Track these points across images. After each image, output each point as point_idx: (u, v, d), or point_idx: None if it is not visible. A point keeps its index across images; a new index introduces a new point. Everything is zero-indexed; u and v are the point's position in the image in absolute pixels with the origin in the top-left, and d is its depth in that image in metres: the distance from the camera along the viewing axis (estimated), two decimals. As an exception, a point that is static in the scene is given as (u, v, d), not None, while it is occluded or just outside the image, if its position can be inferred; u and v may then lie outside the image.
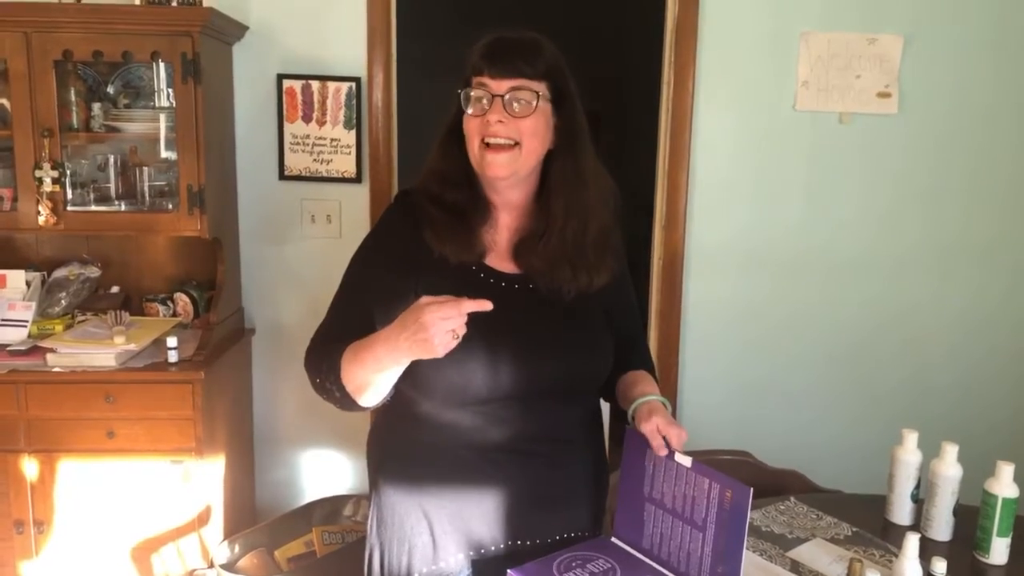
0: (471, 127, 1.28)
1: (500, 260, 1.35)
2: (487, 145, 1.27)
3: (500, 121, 1.25)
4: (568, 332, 1.34)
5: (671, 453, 1.25)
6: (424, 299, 1.13)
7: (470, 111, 1.27)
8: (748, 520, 1.17)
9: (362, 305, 1.31)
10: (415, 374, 1.27)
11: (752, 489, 1.17)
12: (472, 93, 1.27)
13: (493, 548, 1.33)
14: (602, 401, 1.49)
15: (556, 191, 1.33)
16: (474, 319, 1.19)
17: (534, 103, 1.27)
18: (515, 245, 1.35)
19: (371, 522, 1.40)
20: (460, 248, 1.30)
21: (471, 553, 1.33)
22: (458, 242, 1.30)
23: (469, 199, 1.33)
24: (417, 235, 1.31)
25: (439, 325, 1.10)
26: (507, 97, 1.26)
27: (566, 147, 1.32)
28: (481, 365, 1.26)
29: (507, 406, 1.29)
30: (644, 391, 1.35)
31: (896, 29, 2.57)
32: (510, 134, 1.26)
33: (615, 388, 1.44)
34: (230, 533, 2.41)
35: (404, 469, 1.35)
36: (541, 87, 1.28)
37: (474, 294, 1.16)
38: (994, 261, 2.71)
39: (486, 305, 1.13)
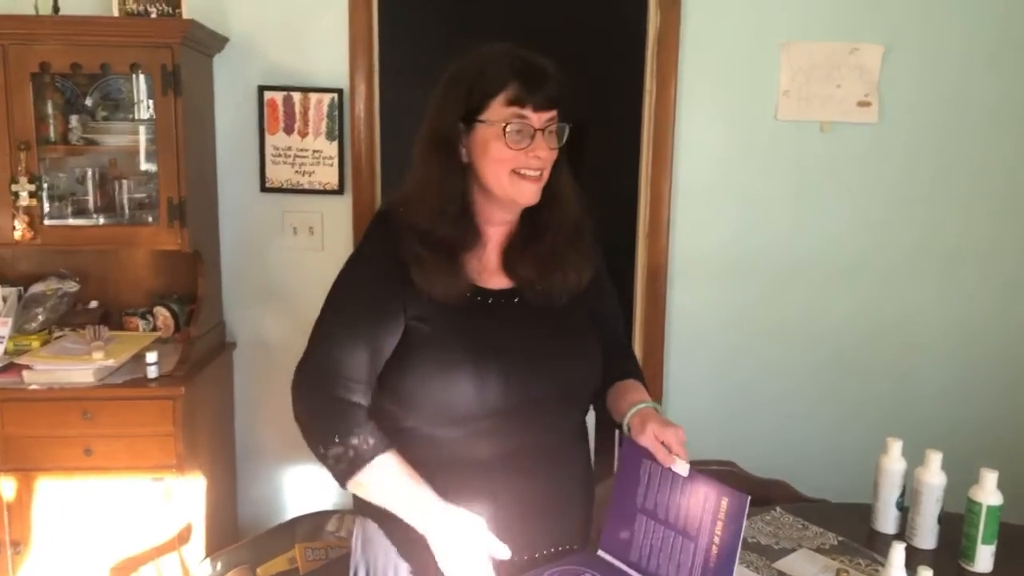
0: (505, 156, 1.25)
1: (489, 276, 1.34)
2: (519, 174, 1.26)
3: (543, 156, 1.26)
4: (558, 343, 1.33)
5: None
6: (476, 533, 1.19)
7: (514, 146, 1.25)
8: (743, 528, 1.17)
9: (366, 337, 1.27)
10: (400, 391, 1.27)
11: (749, 497, 1.17)
12: (515, 127, 1.24)
13: None
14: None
15: (546, 205, 1.33)
16: (462, 338, 1.21)
17: (560, 135, 1.29)
18: (504, 259, 1.35)
19: (356, 539, 1.38)
20: (448, 287, 1.27)
21: None
22: (445, 280, 1.27)
23: (460, 231, 1.29)
24: (401, 259, 1.28)
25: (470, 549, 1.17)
26: (546, 131, 1.26)
27: (556, 164, 1.33)
28: (468, 383, 1.25)
29: (495, 422, 1.27)
30: (634, 400, 1.35)
31: (875, 39, 2.59)
32: (544, 165, 1.27)
33: (605, 399, 1.43)
34: (212, 550, 2.37)
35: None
36: (557, 113, 1.29)
37: (463, 316, 1.21)
38: (978, 268, 2.73)
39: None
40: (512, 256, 1.35)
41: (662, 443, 1.25)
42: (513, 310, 1.32)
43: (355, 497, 1.38)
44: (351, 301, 1.31)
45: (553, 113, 1.27)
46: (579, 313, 1.38)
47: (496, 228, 1.35)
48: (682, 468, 1.23)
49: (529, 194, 1.28)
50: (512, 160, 1.25)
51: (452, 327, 1.27)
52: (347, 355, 1.27)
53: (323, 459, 1.26)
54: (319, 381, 1.28)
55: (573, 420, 1.40)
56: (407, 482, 1.23)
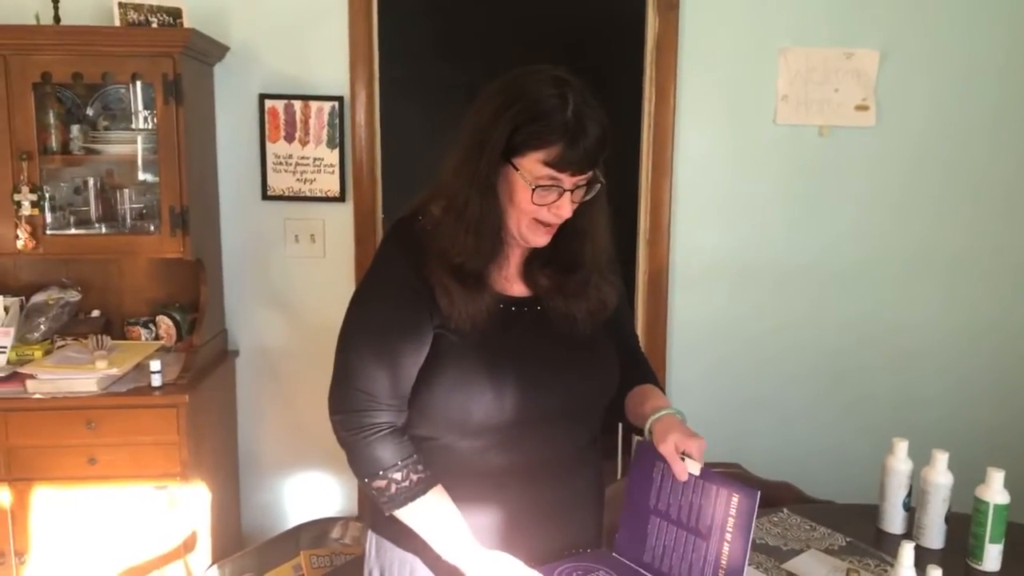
0: (528, 210, 1.23)
1: (510, 284, 1.33)
2: (537, 221, 1.25)
3: (564, 213, 1.24)
4: (577, 354, 1.33)
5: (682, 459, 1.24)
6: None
7: (539, 202, 1.22)
8: (754, 524, 1.17)
9: (399, 361, 1.25)
10: (419, 401, 1.27)
11: (760, 492, 1.17)
12: (545, 187, 1.21)
13: None
14: None
15: (580, 239, 1.31)
16: (483, 349, 1.23)
17: (588, 191, 1.26)
18: (524, 268, 1.34)
19: (369, 544, 1.38)
20: (474, 308, 1.25)
21: None
22: (472, 305, 1.25)
23: (491, 261, 1.28)
24: (425, 273, 1.26)
25: None
26: (574, 192, 1.24)
27: (594, 202, 1.29)
28: (484, 395, 1.24)
29: (512, 432, 1.27)
30: (657, 406, 1.34)
31: (872, 44, 2.61)
32: (562, 220, 1.26)
33: (623, 405, 1.43)
34: (217, 559, 2.37)
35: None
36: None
37: (486, 325, 1.22)
38: (977, 271, 2.75)
39: None
40: (533, 266, 1.34)
41: (683, 453, 1.25)
42: (534, 319, 1.32)
43: (371, 512, 1.38)
44: (380, 320, 1.28)
45: (589, 176, 1.24)
46: (598, 330, 1.37)
47: (517, 245, 1.33)
48: (694, 467, 1.23)
49: (541, 240, 1.28)
50: (534, 212, 1.24)
51: (474, 337, 1.26)
52: (382, 379, 1.25)
53: (367, 488, 1.27)
54: (357, 408, 1.26)
55: (589, 431, 1.39)
56: (448, 525, 1.24)
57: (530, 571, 1.22)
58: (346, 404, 1.27)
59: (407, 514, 1.25)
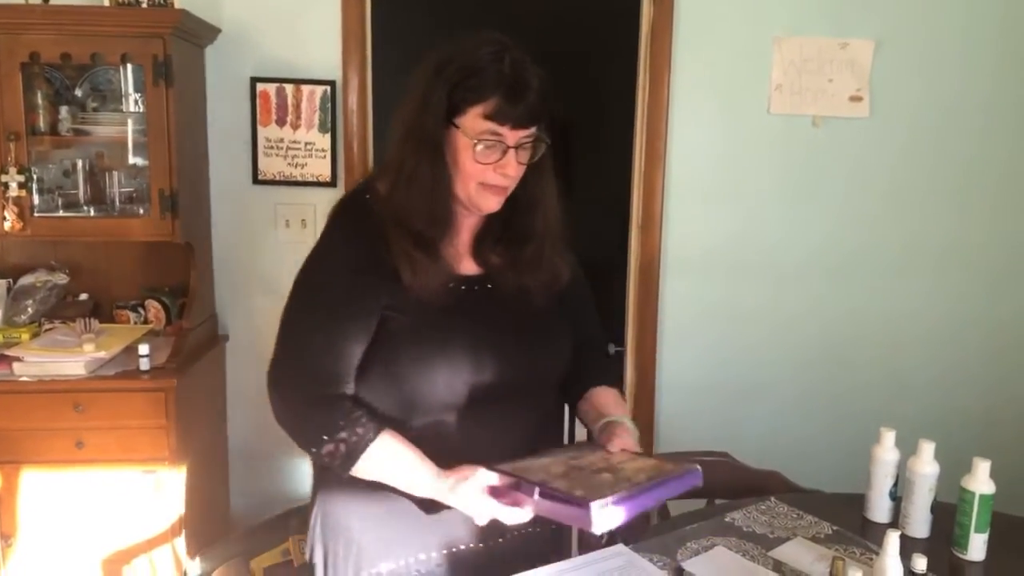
0: (473, 171, 1.23)
1: (461, 262, 1.33)
2: (485, 185, 1.25)
3: (511, 173, 1.24)
4: (526, 330, 1.33)
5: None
6: (479, 480, 1.19)
7: (482, 160, 1.22)
8: (674, 496, 1.21)
9: (342, 332, 1.25)
10: (372, 381, 1.27)
11: (700, 476, 1.21)
12: (487, 143, 1.22)
13: (463, 547, 1.33)
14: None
15: (531, 211, 1.32)
16: (436, 327, 1.24)
17: (535, 153, 1.26)
18: (475, 245, 1.35)
19: (315, 520, 1.39)
20: (435, 280, 1.26)
21: (423, 555, 1.33)
22: (432, 274, 1.26)
23: (445, 229, 1.29)
24: (376, 251, 1.26)
25: (482, 506, 1.18)
26: (520, 147, 1.24)
27: (539, 167, 1.31)
28: (437, 373, 1.25)
29: (465, 409, 1.28)
30: (607, 412, 1.36)
31: (867, 34, 2.61)
32: (512, 181, 1.26)
33: (577, 399, 1.43)
34: (204, 543, 2.36)
35: (341, 481, 1.31)
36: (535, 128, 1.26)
37: (437, 304, 1.23)
38: (970, 263, 2.76)
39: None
40: (484, 244, 1.34)
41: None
42: (484, 296, 1.32)
43: (314, 476, 1.40)
44: (322, 297, 1.27)
45: (531, 130, 1.25)
46: (551, 307, 1.38)
47: (469, 216, 1.34)
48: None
49: (492, 204, 1.27)
50: (480, 174, 1.24)
51: (426, 316, 1.26)
52: (323, 352, 1.25)
53: (318, 459, 1.26)
54: (295, 383, 1.26)
55: (545, 404, 1.39)
56: (405, 463, 1.24)
57: (489, 501, 1.20)
58: (283, 378, 1.27)
59: (364, 466, 1.23)
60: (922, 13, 2.62)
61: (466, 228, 1.34)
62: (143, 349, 2.22)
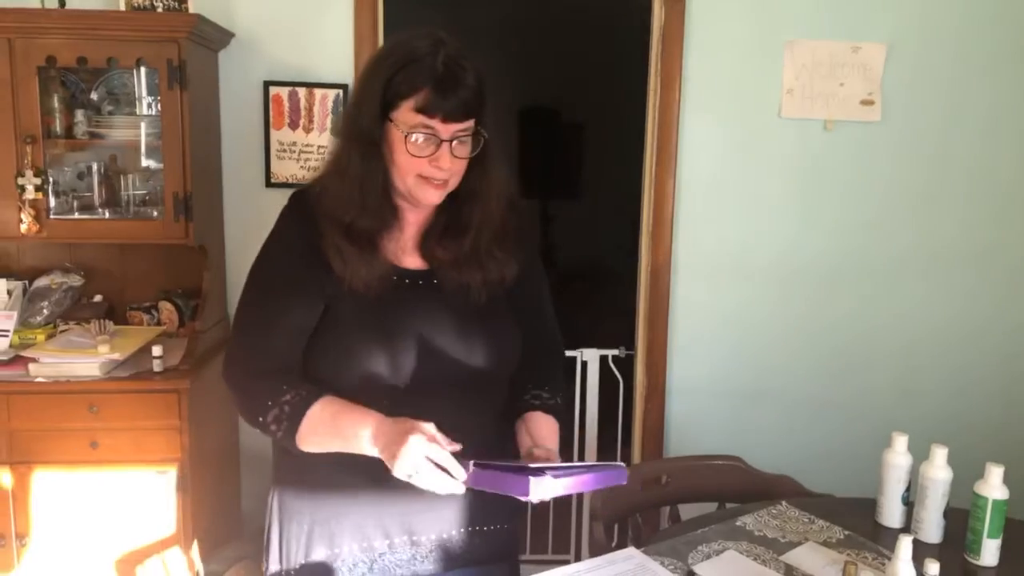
0: (408, 164, 1.25)
1: (405, 256, 1.35)
2: (423, 178, 1.26)
3: (445, 166, 1.25)
4: (469, 325, 1.34)
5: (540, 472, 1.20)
6: (422, 428, 1.15)
7: (415, 153, 1.24)
8: (600, 487, 1.23)
9: (287, 317, 1.29)
10: (313, 370, 1.29)
11: (626, 470, 1.24)
12: (418, 136, 1.23)
13: (424, 537, 1.35)
14: None
15: (471, 202, 1.34)
16: (375, 319, 1.26)
17: (474, 147, 1.28)
18: (421, 240, 1.36)
19: (271, 507, 1.41)
20: (368, 275, 1.28)
21: (367, 544, 1.34)
22: (365, 269, 1.28)
23: (380, 221, 1.30)
24: (316, 237, 1.29)
25: (419, 451, 1.13)
26: (453, 142, 1.25)
27: (481, 163, 1.32)
28: (378, 365, 1.26)
29: (407, 400, 1.28)
30: (533, 442, 1.35)
31: (879, 38, 2.60)
32: (448, 175, 1.27)
33: (517, 402, 1.42)
34: (217, 544, 2.38)
35: (299, 464, 1.33)
36: (474, 121, 1.27)
37: (378, 296, 1.25)
38: (980, 266, 2.75)
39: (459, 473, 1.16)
40: (429, 239, 1.36)
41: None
42: (428, 292, 1.34)
43: (274, 467, 1.43)
44: (271, 283, 1.33)
45: (466, 124, 1.25)
46: (496, 305, 1.38)
47: (414, 214, 1.36)
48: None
49: (432, 197, 1.29)
50: (416, 167, 1.25)
51: (366, 308, 1.29)
52: (270, 337, 1.29)
53: (265, 428, 1.27)
54: (245, 362, 1.31)
55: (490, 405, 1.39)
56: (350, 416, 1.23)
57: (427, 463, 1.16)
58: (233, 358, 1.32)
59: (307, 428, 1.23)
60: (934, 17, 2.61)
61: (412, 223, 1.36)
62: (157, 351, 2.24)
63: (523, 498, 1.14)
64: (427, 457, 1.14)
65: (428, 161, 1.25)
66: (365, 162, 1.26)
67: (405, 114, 1.23)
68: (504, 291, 1.38)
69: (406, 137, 1.23)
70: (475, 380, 1.34)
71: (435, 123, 1.23)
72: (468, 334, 1.33)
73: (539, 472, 1.16)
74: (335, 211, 1.28)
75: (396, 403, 1.26)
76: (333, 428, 1.23)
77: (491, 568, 1.40)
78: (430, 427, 1.17)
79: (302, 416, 1.23)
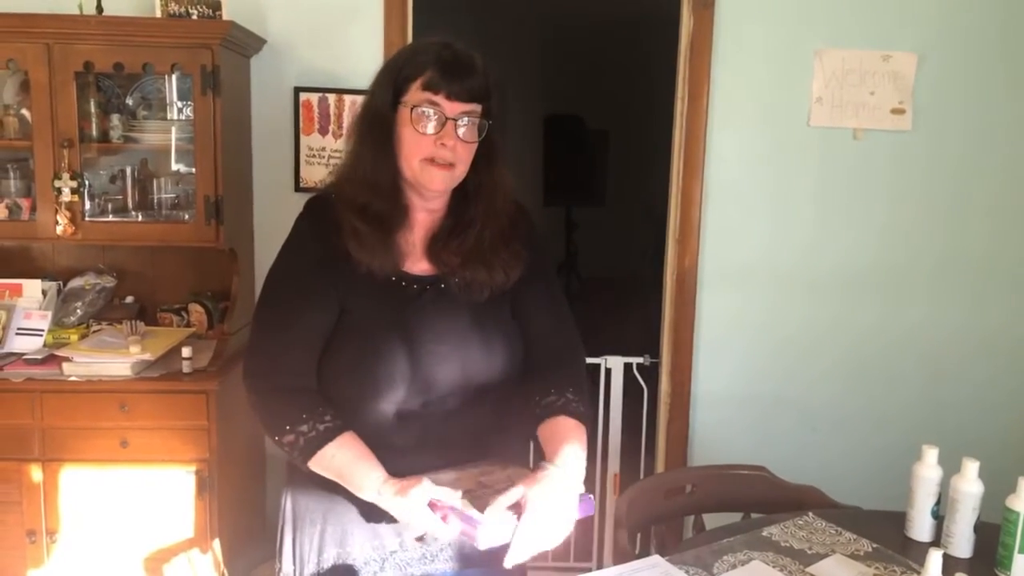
0: (417, 144, 1.29)
1: (414, 262, 1.37)
2: (430, 161, 1.29)
3: (450, 145, 1.28)
4: (474, 331, 1.34)
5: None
6: (428, 494, 1.19)
7: (421, 130, 1.28)
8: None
9: (304, 326, 1.32)
10: (321, 377, 1.31)
11: (593, 500, 1.26)
12: (424, 111, 1.28)
13: (407, 539, 1.36)
14: None
15: (475, 198, 1.36)
16: (381, 325, 1.28)
17: (480, 130, 1.31)
18: (429, 244, 1.38)
19: (284, 499, 1.42)
20: (384, 259, 1.31)
21: (379, 543, 1.36)
22: (383, 254, 1.31)
23: (393, 207, 1.33)
24: (333, 244, 1.31)
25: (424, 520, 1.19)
26: (458, 121, 1.28)
27: (487, 158, 1.36)
28: (383, 371, 1.28)
29: (411, 405, 1.30)
30: (549, 455, 1.31)
31: (910, 47, 2.58)
32: (454, 158, 1.30)
33: (536, 408, 1.39)
34: (243, 544, 2.40)
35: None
36: (481, 108, 1.31)
37: (385, 302, 1.28)
38: (1011, 276, 2.71)
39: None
40: (437, 243, 1.37)
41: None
42: (434, 298, 1.35)
43: (287, 469, 1.42)
44: (287, 291, 1.35)
45: (471, 106, 1.29)
46: (502, 309, 1.39)
47: (424, 214, 1.38)
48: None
49: (437, 181, 1.31)
50: (423, 147, 1.28)
51: (373, 314, 1.31)
52: (288, 345, 1.31)
53: (280, 446, 1.30)
54: (265, 372, 1.32)
55: (495, 412, 1.38)
56: (359, 467, 1.26)
57: (429, 513, 1.20)
58: (253, 368, 1.33)
59: (318, 462, 1.27)
60: (965, 26, 2.59)
61: (420, 222, 1.38)
62: (186, 352, 2.27)
63: (475, 544, 1.18)
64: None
65: (433, 140, 1.28)
66: (378, 145, 1.31)
67: (413, 94, 1.29)
68: (510, 296, 1.39)
69: (411, 112, 1.27)
70: (476, 387, 1.35)
71: (440, 99, 1.27)
72: (471, 341, 1.34)
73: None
74: (351, 195, 1.32)
75: (399, 411, 1.29)
76: (338, 476, 1.28)
77: (503, 568, 1.40)
78: (431, 489, 1.20)
79: (316, 451, 1.26)
